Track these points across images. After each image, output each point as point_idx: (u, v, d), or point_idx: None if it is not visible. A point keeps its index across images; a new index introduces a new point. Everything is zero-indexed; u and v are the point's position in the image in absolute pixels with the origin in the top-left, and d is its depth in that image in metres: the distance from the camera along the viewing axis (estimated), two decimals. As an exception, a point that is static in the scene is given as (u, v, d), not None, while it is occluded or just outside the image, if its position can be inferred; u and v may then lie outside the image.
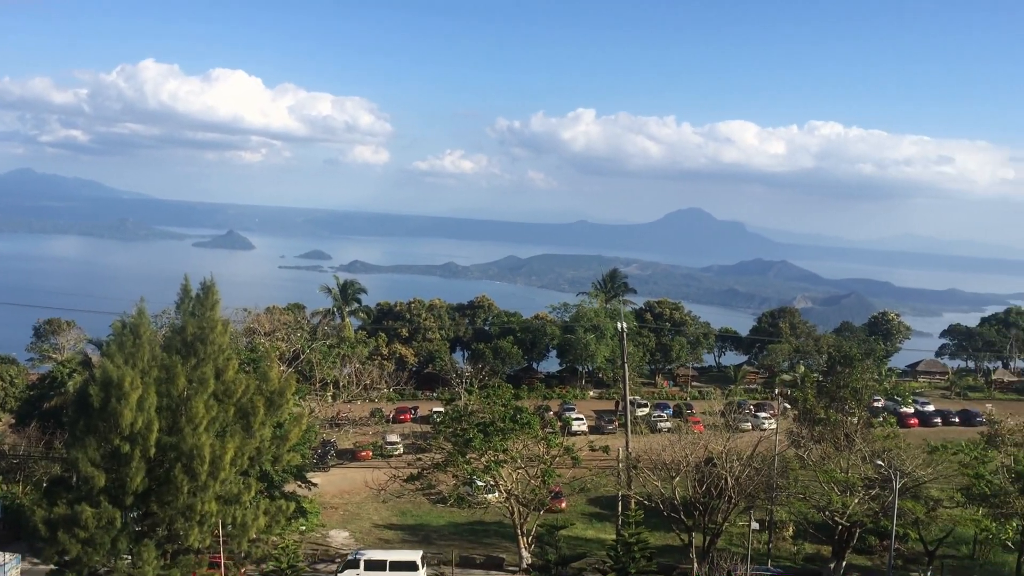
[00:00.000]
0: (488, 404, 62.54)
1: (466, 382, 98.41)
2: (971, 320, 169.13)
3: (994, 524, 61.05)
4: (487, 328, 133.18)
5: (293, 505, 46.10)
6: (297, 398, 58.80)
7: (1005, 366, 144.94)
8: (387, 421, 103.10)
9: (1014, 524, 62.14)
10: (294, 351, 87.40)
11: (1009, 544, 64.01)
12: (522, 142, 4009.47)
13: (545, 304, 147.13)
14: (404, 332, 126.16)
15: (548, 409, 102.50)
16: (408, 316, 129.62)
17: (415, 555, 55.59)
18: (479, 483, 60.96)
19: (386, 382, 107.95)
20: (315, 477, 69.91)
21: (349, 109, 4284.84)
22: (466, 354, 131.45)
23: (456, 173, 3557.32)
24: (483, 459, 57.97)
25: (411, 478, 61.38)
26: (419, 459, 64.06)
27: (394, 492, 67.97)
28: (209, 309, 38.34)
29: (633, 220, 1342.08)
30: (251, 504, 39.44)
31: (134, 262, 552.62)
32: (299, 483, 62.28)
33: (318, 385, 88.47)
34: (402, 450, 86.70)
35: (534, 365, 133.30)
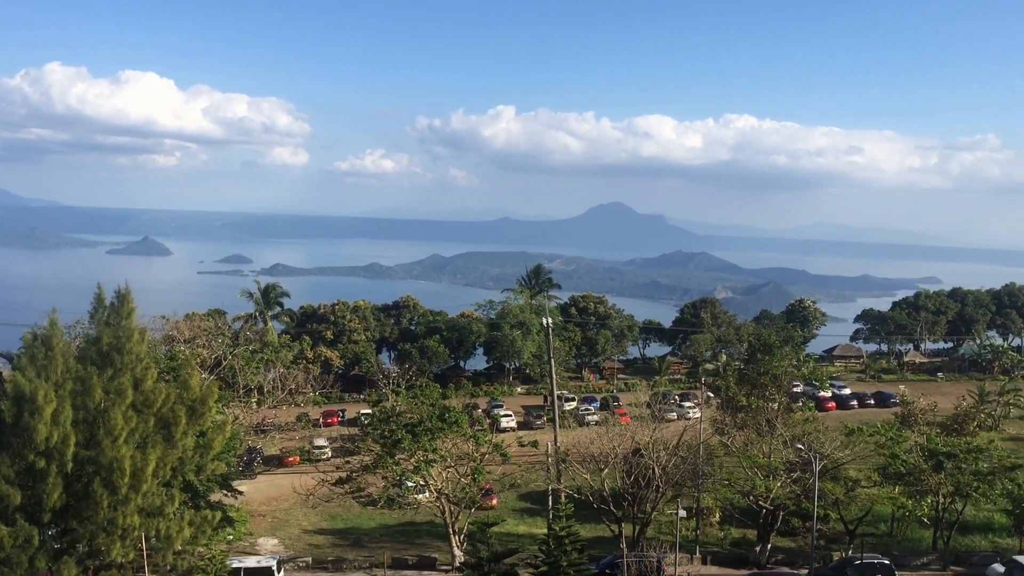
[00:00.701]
0: (416, 404, 62.34)
1: (393, 383, 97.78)
2: (883, 305, 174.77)
3: (910, 501, 63.40)
4: (413, 328, 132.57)
5: (219, 514, 45.18)
6: (220, 405, 57.66)
7: (916, 348, 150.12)
8: (314, 425, 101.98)
9: (928, 500, 64.60)
10: (216, 358, 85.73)
11: (924, 520, 66.50)
12: (443, 140, 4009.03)
13: (471, 302, 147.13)
14: (329, 335, 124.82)
15: (476, 407, 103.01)
16: (332, 318, 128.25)
17: (271, 561, 54.87)
18: (409, 484, 60.75)
19: (312, 386, 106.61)
20: (241, 485, 68.71)
21: (266, 110, 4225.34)
22: (392, 355, 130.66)
23: (377, 173, 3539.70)
24: (412, 459, 57.78)
25: (340, 481, 60.79)
26: (347, 462, 63.45)
27: (323, 496, 67.22)
28: (124, 318, 37.35)
29: (556, 216, 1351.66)
30: (175, 515, 38.58)
31: (45, 272, 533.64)
32: (225, 492, 61.06)
33: (242, 391, 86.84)
34: (330, 454, 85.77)
35: (461, 363, 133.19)
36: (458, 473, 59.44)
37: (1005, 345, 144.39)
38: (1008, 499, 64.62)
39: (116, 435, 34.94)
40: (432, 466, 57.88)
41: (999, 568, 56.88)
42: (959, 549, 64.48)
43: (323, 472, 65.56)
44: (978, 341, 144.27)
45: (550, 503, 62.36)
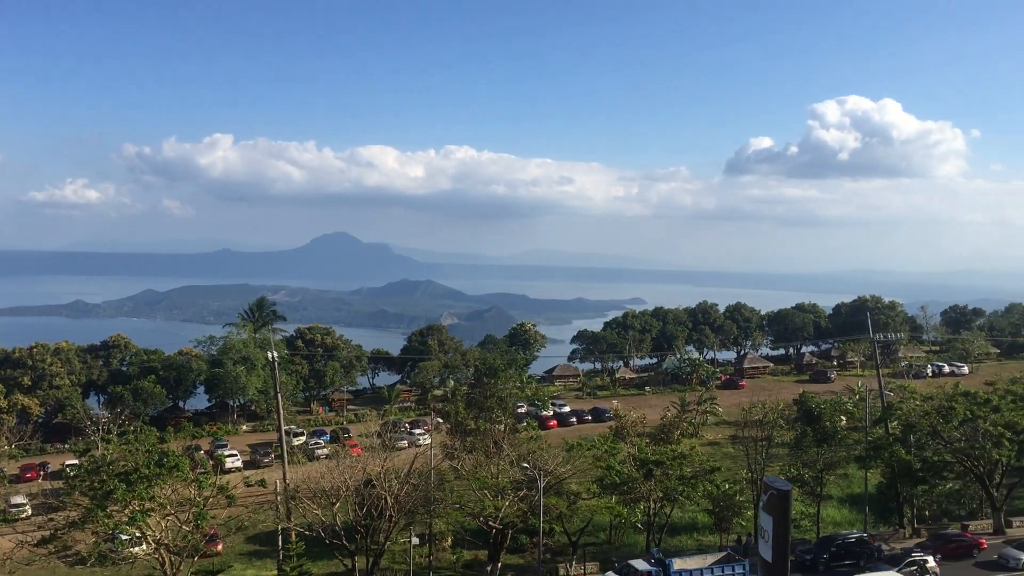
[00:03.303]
0: (130, 450, 58.37)
1: (103, 429, 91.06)
2: (596, 325, 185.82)
3: (625, 509, 67.93)
4: (125, 369, 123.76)
5: None
6: None
7: (626, 364, 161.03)
8: (10, 481, 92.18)
9: (641, 507, 69.55)
10: None
11: (639, 525, 71.41)
12: (154, 169, 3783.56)
13: (190, 338, 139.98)
14: (26, 381, 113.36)
15: (198, 448, 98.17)
16: (30, 363, 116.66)
17: None
18: (124, 537, 56.42)
19: (7, 438, 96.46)
20: (-80, 557, 60.68)
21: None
22: (102, 399, 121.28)
23: (80, 203, 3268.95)
24: (127, 510, 53.80)
25: (42, 541, 55.28)
26: (51, 519, 57.89)
27: (22, 560, 60.91)
28: None
29: (279, 246, 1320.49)
30: None
31: None
32: None
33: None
34: (30, 512, 77.91)
35: (180, 404, 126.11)
36: (179, 520, 56.04)
37: (701, 358, 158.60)
38: (709, 500, 70.92)
39: None
40: (149, 515, 54.17)
41: None
42: (668, 549, 69.79)
43: (22, 533, 59.36)
44: (678, 355, 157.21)
45: (280, 543, 60.54)
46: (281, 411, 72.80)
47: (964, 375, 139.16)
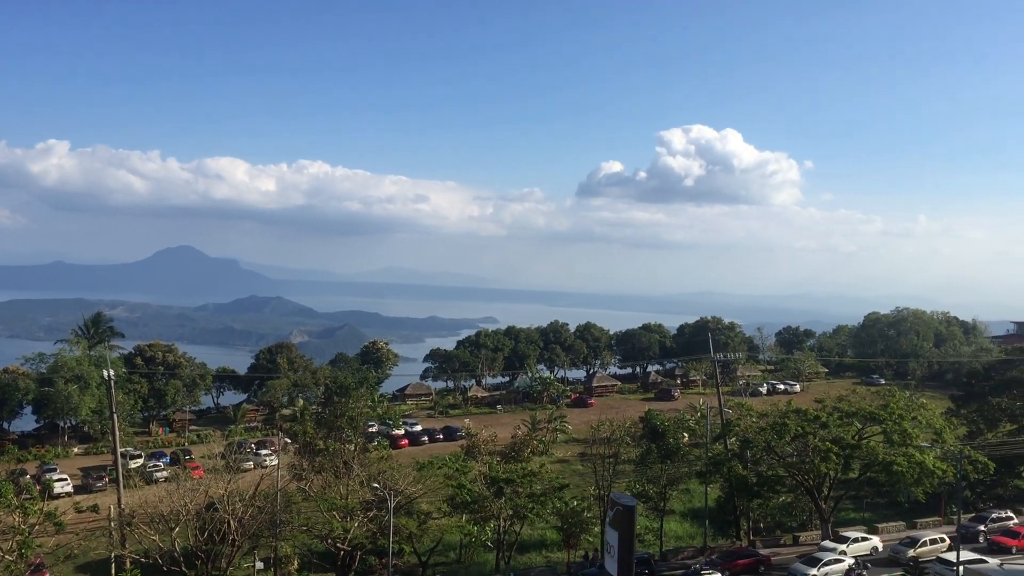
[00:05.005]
0: (-54, 476, 54.30)
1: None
2: (449, 344, 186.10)
3: (476, 528, 68.11)
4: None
5: None
6: None
7: (478, 383, 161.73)
8: None
9: (492, 525, 69.86)
10: None
11: (489, 544, 71.68)
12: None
13: (16, 356, 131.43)
14: None
15: (24, 473, 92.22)
16: None
17: None
18: (-63, 570, 52.37)
19: None
20: None
21: None
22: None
23: None
24: (-59, 541, 49.99)
25: None
26: None
27: None
28: None
29: (118, 259, 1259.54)
30: None
31: None
32: None
33: None
34: None
35: (5, 425, 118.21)
36: (1, 550, 52.48)
37: (552, 377, 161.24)
38: (557, 516, 72.00)
39: None
40: (-33, 546, 50.50)
41: None
42: (517, 567, 70.39)
43: None
44: (530, 374, 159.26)
45: (113, 571, 57.61)
46: (117, 432, 69.44)
47: (796, 393, 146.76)
